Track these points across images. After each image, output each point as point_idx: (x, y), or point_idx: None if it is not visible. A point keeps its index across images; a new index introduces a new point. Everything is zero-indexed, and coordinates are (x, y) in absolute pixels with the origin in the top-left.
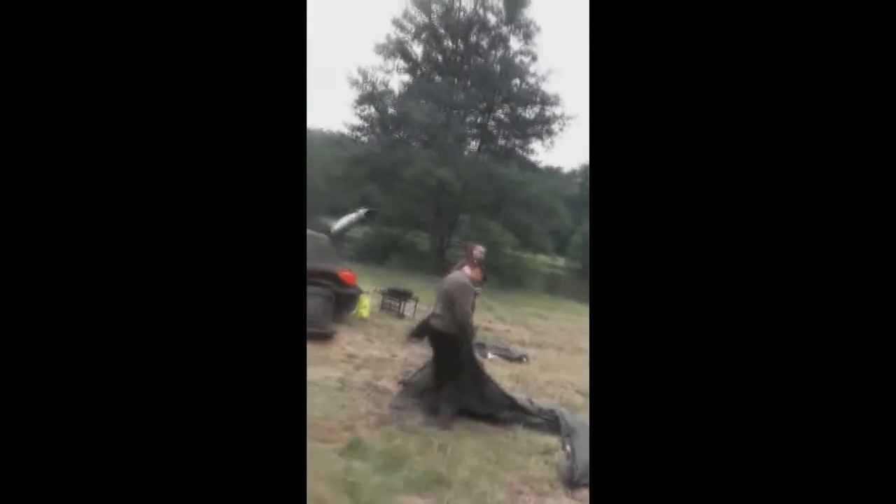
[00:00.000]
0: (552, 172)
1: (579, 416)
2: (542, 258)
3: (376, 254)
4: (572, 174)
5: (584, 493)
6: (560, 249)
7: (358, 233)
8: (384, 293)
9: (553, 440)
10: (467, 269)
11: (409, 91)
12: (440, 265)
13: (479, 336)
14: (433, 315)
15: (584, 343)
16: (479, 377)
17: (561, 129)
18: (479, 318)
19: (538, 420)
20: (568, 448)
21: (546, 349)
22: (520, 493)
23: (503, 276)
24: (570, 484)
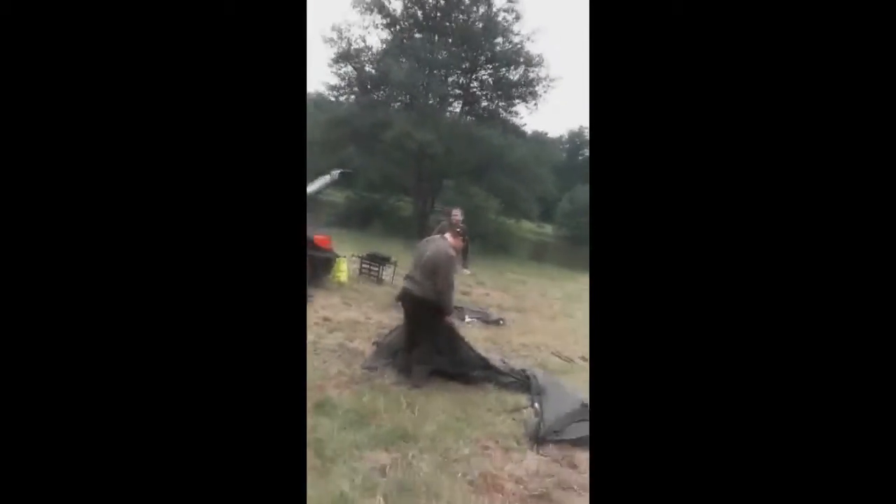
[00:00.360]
0: (538, 137)
1: (553, 377)
2: (528, 225)
3: (358, 218)
4: (559, 140)
5: (551, 449)
6: (546, 216)
7: (339, 197)
8: (363, 258)
9: (523, 399)
10: (449, 237)
11: (388, 49)
12: (423, 230)
13: (457, 300)
14: (408, 278)
15: (565, 308)
16: (453, 339)
17: (545, 92)
18: (460, 282)
19: (510, 379)
20: (537, 406)
21: (525, 313)
22: (486, 448)
23: (487, 241)
24: (537, 440)
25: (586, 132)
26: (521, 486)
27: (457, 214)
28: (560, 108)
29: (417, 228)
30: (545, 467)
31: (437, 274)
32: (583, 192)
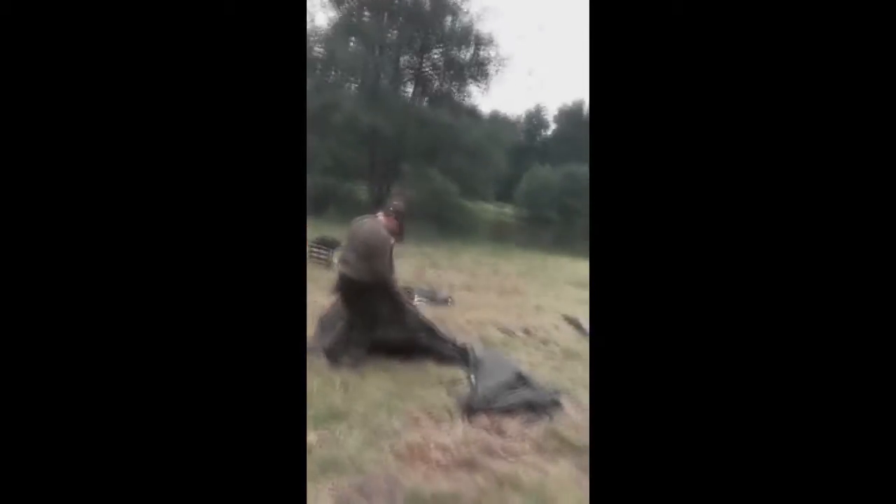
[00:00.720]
0: (495, 118)
1: (491, 349)
2: (488, 206)
3: (313, 204)
4: (517, 121)
5: (483, 419)
6: (506, 196)
7: None
8: (311, 243)
9: (459, 372)
10: (381, 216)
11: (336, 28)
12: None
13: (409, 281)
14: (343, 261)
15: (517, 284)
16: (398, 306)
17: (496, 72)
18: (413, 265)
19: (450, 348)
20: (472, 378)
21: (476, 291)
22: (417, 420)
23: (445, 224)
24: (469, 410)
25: (544, 112)
26: (447, 455)
27: (397, 204)
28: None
29: (373, 212)
30: (473, 435)
31: (373, 256)
32: (541, 173)
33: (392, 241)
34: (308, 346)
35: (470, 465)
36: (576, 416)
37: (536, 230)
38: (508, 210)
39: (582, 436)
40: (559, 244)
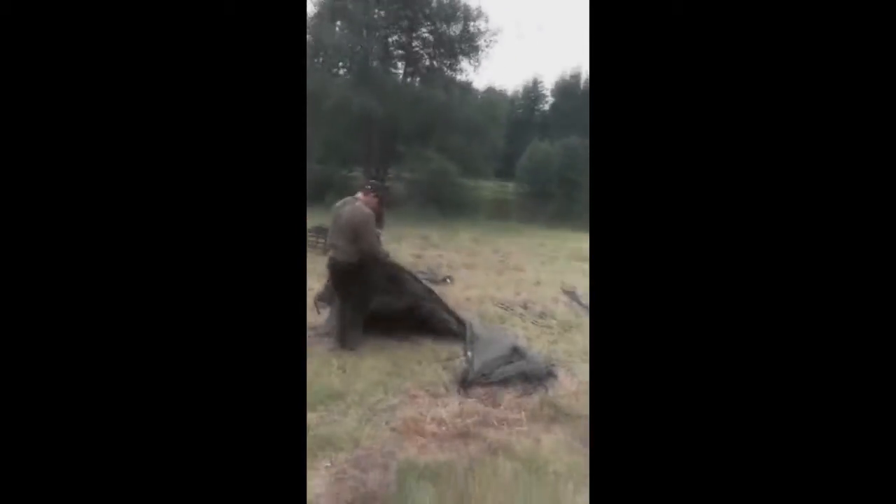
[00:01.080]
0: (491, 94)
1: (488, 324)
2: (487, 184)
3: (311, 192)
4: (514, 96)
5: (478, 392)
6: (507, 173)
7: None
8: (309, 231)
9: (456, 348)
10: (361, 196)
11: (321, 12)
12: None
13: (409, 263)
14: (332, 246)
15: (517, 261)
16: (395, 275)
17: (488, 46)
18: (412, 247)
19: (450, 321)
20: (469, 354)
21: (476, 269)
22: (414, 396)
23: (444, 204)
24: (465, 384)
25: (541, 85)
26: (443, 427)
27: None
28: (512, 62)
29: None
30: (469, 408)
31: (358, 236)
32: (541, 147)
33: (373, 217)
34: (320, 332)
35: (465, 435)
36: (570, 386)
37: (538, 206)
38: (509, 187)
39: (575, 404)
40: (561, 219)
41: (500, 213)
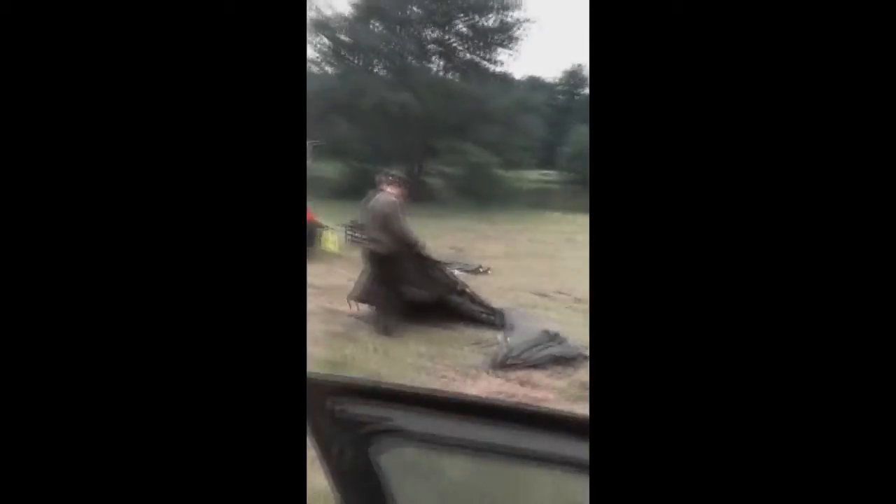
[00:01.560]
0: (532, 83)
1: (522, 310)
2: (530, 174)
3: (352, 190)
4: (554, 83)
5: (512, 374)
6: (551, 162)
7: (332, 171)
8: (346, 227)
9: (492, 334)
10: (386, 188)
11: (357, 13)
12: (418, 194)
13: (447, 255)
14: (370, 240)
15: (557, 249)
16: (423, 265)
17: (525, 35)
18: (451, 239)
19: (482, 311)
20: (504, 338)
21: (515, 259)
22: (451, 379)
23: (483, 197)
24: (498, 365)
25: (581, 70)
26: None
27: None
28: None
29: (411, 192)
30: (502, 388)
31: (388, 223)
32: (583, 134)
33: (401, 205)
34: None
35: None
36: None
37: (580, 194)
38: (551, 175)
39: None
40: None
41: (542, 203)
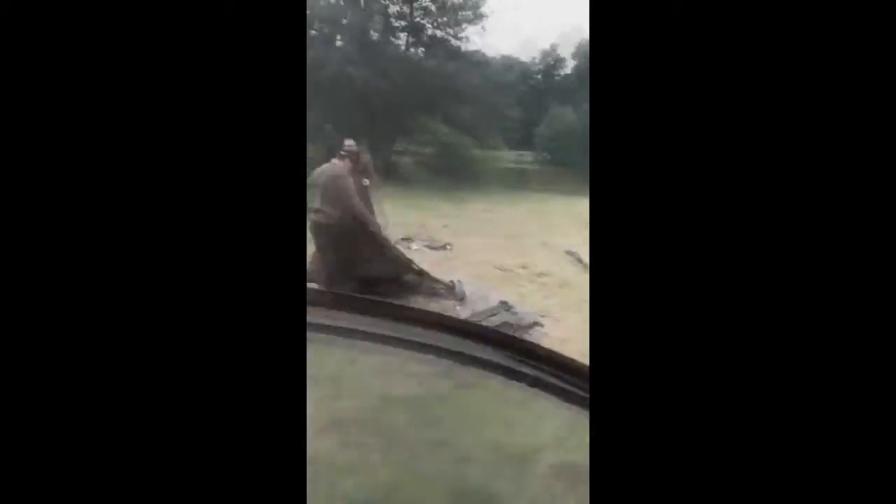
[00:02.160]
0: (506, 62)
1: (479, 283)
2: (503, 154)
3: (310, 166)
4: (532, 63)
5: None
6: (527, 143)
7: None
8: (310, 210)
9: (445, 305)
10: (336, 161)
11: None
12: (386, 174)
13: (412, 233)
14: (314, 211)
15: (525, 227)
16: (377, 244)
17: (493, 12)
18: (418, 217)
19: (439, 286)
20: (457, 308)
21: (482, 236)
22: None
23: (456, 176)
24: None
25: (558, 50)
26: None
27: (348, 143)
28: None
29: (379, 171)
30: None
31: (337, 197)
32: (560, 114)
33: (351, 178)
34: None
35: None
36: (555, 334)
37: (556, 174)
38: (528, 156)
39: (557, 348)
40: (580, 186)
41: (516, 184)
